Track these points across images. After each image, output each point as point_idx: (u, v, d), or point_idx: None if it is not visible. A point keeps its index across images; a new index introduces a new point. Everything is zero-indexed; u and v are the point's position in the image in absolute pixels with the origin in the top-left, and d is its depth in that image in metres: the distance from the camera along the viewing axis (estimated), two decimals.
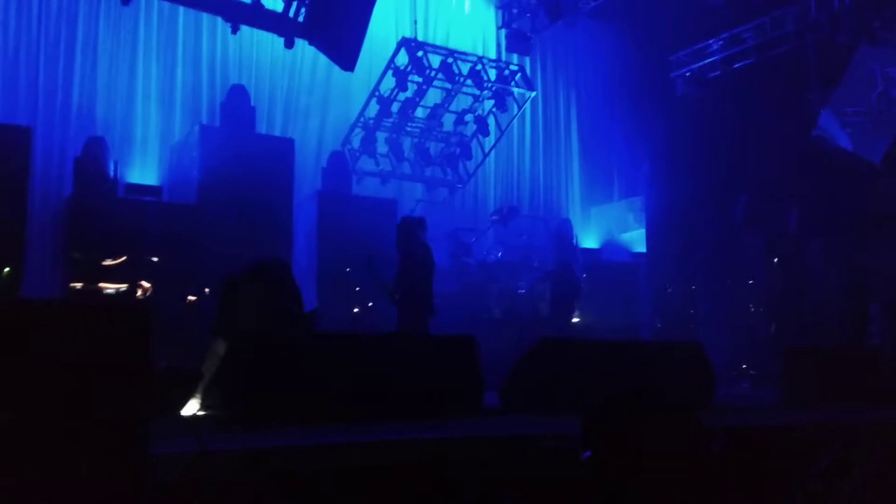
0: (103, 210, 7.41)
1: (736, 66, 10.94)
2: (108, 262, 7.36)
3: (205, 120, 9.58)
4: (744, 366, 9.49)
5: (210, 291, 7.63)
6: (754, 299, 10.12)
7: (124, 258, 7.43)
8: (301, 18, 7.79)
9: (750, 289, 10.12)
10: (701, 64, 11.41)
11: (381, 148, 11.02)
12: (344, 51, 8.00)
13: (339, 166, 10.15)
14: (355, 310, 9.07)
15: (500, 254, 10.48)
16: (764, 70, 10.47)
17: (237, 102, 8.96)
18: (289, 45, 8.00)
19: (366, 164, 10.91)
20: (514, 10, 12.29)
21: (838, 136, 9.66)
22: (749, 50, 10.77)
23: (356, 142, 10.86)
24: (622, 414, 2.54)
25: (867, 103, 9.51)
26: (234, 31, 7.81)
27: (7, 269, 6.63)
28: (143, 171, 9.08)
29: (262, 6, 7.93)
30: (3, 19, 8.64)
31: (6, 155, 6.78)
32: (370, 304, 9.06)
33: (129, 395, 2.19)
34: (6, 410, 2.03)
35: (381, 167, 11.06)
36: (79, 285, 7.20)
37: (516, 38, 12.10)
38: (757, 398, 7.72)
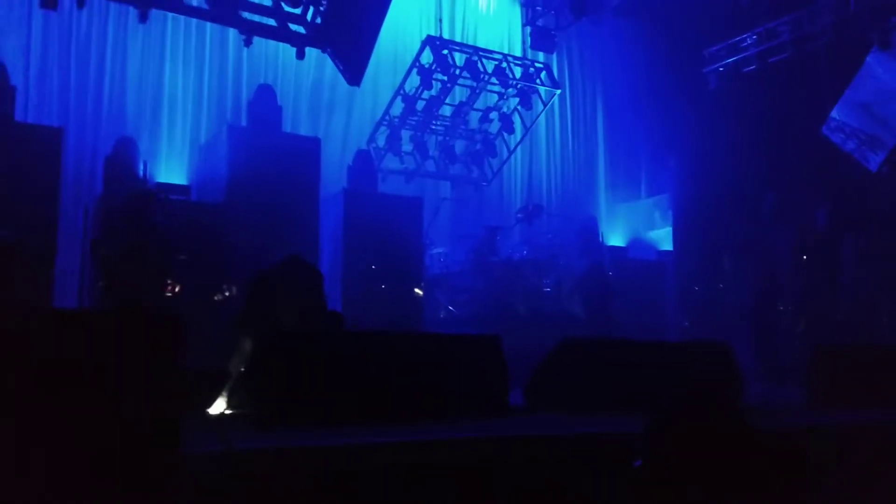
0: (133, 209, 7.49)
1: (771, 60, 10.76)
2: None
3: (231, 119, 9.68)
4: (772, 365, 9.38)
5: (237, 289, 7.70)
6: (783, 298, 10.00)
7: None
8: (319, 20, 7.88)
9: (779, 287, 10.00)
10: (735, 58, 11.26)
11: (406, 146, 11.05)
12: (351, 65, 8.09)
13: (364, 164, 10.18)
14: (380, 307, 9.10)
15: (525, 252, 10.46)
16: (800, 65, 10.30)
17: (264, 102, 9.02)
18: (300, 55, 8.10)
19: (391, 162, 10.94)
20: (539, 8, 12.24)
21: (849, 134, 9.53)
22: (785, 44, 10.59)
23: (381, 140, 10.90)
24: (686, 424, 2.52)
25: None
26: (248, 43, 7.91)
27: (38, 267, 6.74)
28: (172, 170, 9.20)
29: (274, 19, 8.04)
30: (37, 25, 8.80)
31: (39, 155, 6.90)
32: (395, 301, 9.10)
33: (161, 400, 2.22)
34: (38, 415, 2.07)
35: (405, 165, 11.09)
36: (108, 283, 7.30)
37: (540, 36, 12.05)
38: (786, 398, 7.63)
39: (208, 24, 9.83)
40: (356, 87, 10.92)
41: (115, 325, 2.21)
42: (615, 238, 12.39)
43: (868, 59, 9.35)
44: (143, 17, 7.31)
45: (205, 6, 7.97)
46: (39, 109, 8.67)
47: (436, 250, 10.34)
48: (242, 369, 4.45)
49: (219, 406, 4.17)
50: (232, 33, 10.05)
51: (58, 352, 2.11)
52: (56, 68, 8.94)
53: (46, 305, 6.60)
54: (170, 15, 9.48)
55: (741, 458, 2.58)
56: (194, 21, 9.75)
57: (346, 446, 2.92)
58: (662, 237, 12.03)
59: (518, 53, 12.30)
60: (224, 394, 4.23)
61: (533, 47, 12.19)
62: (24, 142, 6.88)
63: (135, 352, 2.20)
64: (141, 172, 7.75)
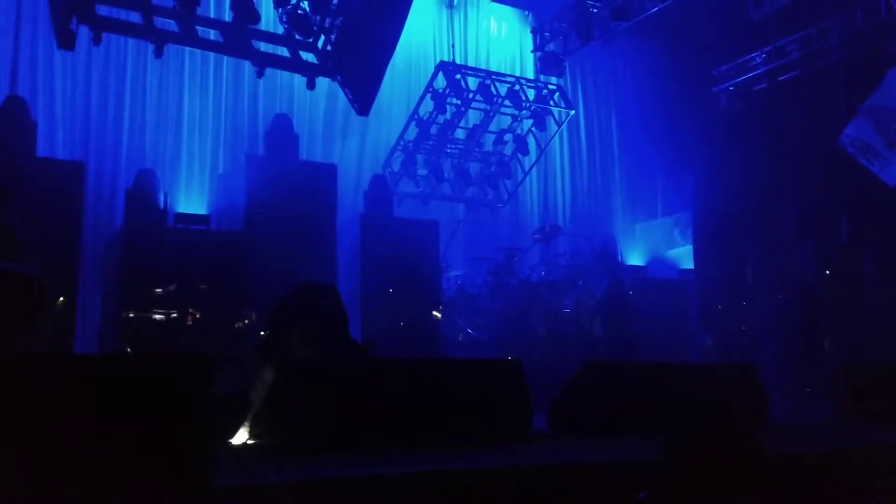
0: (154, 239, 7.59)
1: (781, 78, 10.81)
2: (158, 290, 7.53)
3: (247, 148, 9.79)
4: (797, 384, 9.26)
5: (257, 316, 7.75)
6: (807, 314, 9.89)
7: (174, 285, 7.59)
8: (329, 48, 7.99)
9: (802, 304, 9.89)
10: (745, 77, 11.31)
11: (422, 170, 11.11)
12: (361, 94, 8.19)
13: (380, 189, 10.24)
14: (398, 331, 9.09)
15: (543, 273, 10.42)
16: (810, 82, 10.33)
17: (281, 131, 9.13)
18: (310, 86, 8.20)
19: (406, 186, 10.99)
20: (547, 34, 12.32)
21: (869, 147, 9.46)
22: (794, 62, 10.65)
23: (396, 164, 10.97)
24: (699, 450, 2.50)
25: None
26: (260, 75, 8.03)
27: (61, 299, 6.83)
28: (192, 200, 9.29)
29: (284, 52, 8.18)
30: (57, 61, 8.96)
31: (61, 189, 7.02)
32: (413, 325, 9.09)
33: (190, 439, 2.25)
34: (73, 455, 2.09)
35: (421, 189, 11.14)
36: (131, 314, 7.37)
37: (548, 61, 12.10)
38: (811, 417, 7.53)
39: (224, 57, 9.97)
40: (369, 114, 11.10)
41: (143, 366, 2.25)
42: (634, 257, 12.33)
43: (889, 73, 9.32)
44: (159, 53, 7.42)
45: (220, 39, 8.09)
46: (61, 144, 8.81)
47: (453, 273, 10.34)
48: (263, 398, 4.45)
49: (241, 436, 4.16)
50: (247, 64, 10.20)
51: (86, 395, 2.14)
52: (76, 103, 9.09)
53: (69, 341, 6.68)
54: (186, 49, 9.64)
55: (755, 484, 2.55)
56: (211, 54, 9.90)
57: (368, 477, 2.91)
58: (682, 256, 11.95)
59: (531, 74, 12.36)
60: (246, 423, 4.22)
61: (541, 72, 12.24)
62: (45, 177, 7.00)
63: (162, 394, 2.24)
64: (161, 203, 7.86)
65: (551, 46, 12.29)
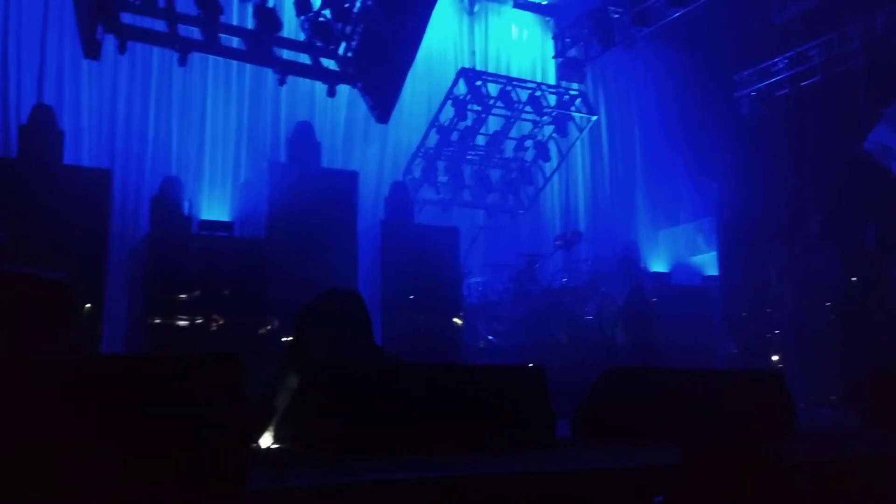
0: (179, 246, 7.66)
1: (803, 83, 10.75)
2: (183, 296, 7.59)
3: (269, 155, 9.86)
4: (823, 391, 9.15)
5: (279, 322, 7.79)
6: (833, 321, 9.78)
7: (198, 292, 7.65)
8: (350, 54, 8.04)
9: (828, 310, 9.78)
10: (767, 82, 11.25)
11: (442, 176, 11.12)
12: (381, 102, 8.21)
13: (400, 196, 10.25)
14: (418, 338, 9.09)
15: (565, 279, 10.38)
16: (832, 87, 10.26)
17: (302, 138, 9.17)
18: (331, 93, 8.24)
19: (427, 192, 11.01)
20: (567, 39, 12.30)
21: (894, 152, 9.35)
22: (816, 67, 10.58)
23: (417, 171, 10.99)
24: (717, 457, 2.48)
25: None
26: (281, 83, 8.08)
27: (88, 306, 6.91)
28: (215, 207, 9.38)
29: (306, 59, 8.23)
30: (83, 69, 9.10)
31: (87, 197, 7.10)
32: (434, 332, 9.08)
33: (226, 440, 2.27)
34: (110, 454, 2.12)
35: (441, 195, 11.15)
36: (156, 320, 7.44)
37: (569, 67, 12.09)
38: (838, 424, 7.44)
39: (247, 65, 10.07)
40: (390, 121, 11.13)
41: (177, 368, 2.27)
42: (658, 264, 12.24)
43: None
44: (183, 62, 7.49)
45: (242, 47, 8.17)
46: (87, 152, 8.93)
47: (473, 279, 10.33)
48: (287, 403, 4.48)
49: (266, 439, 4.19)
50: (269, 72, 10.29)
51: (123, 395, 2.17)
52: (102, 112, 9.22)
53: (96, 347, 6.75)
54: (209, 57, 9.75)
55: (772, 492, 2.52)
56: (233, 62, 10.00)
57: (394, 482, 2.91)
58: (706, 262, 11.86)
59: (552, 79, 12.35)
60: (271, 427, 4.25)
61: (562, 78, 12.23)
62: (72, 184, 7.09)
63: (198, 394, 2.26)
64: (186, 210, 7.93)
65: (572, 52, 12.28)
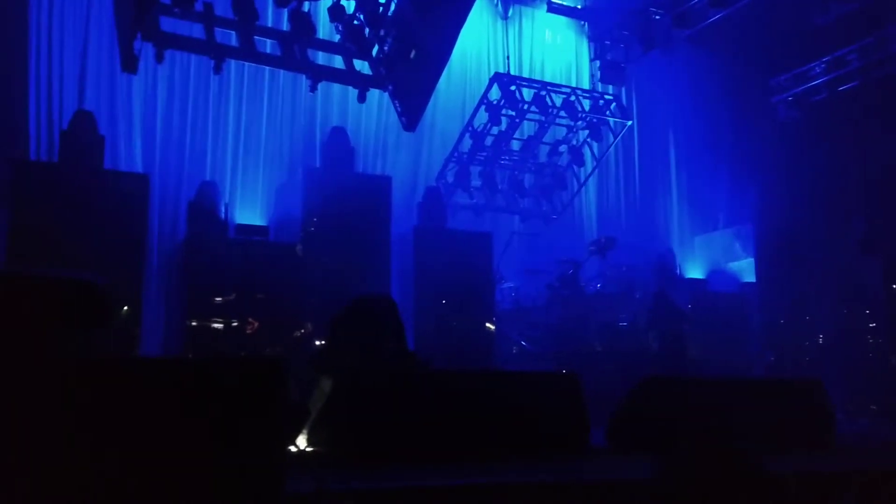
0: (215, 250, 7.75)
1: (841, 88, 10.57)
2: (219, 300, 7.68)
3: (304, 160, 9.94)
4: (863, 401, 8.95)
5: (313, 326, 7.84)
6: (873, 329, 9.56)
7: (234, 295, 7.73)
8: (381, 56, 8.06)
9: (868, 318, 9.56)
10: (804, 87, 11.08)
11: (475, 181, 11.10)
12: (408, 108, 8.21)
13: (434, 201, 10.26)
14: (451, 343, 9.08)
15: (599, 285, 10.29)
16: (871, 91, 10.07)
17: (337, 143, 9.24)
18: (361, 98, 8.27)
19: (460, 197, 11.00)
20: (607, 42, 12.21)
21: None
22: (854, 72, 10.40)
23: (450, 176, 10.99)
24: (698, 470, 2.45)
25: None
26: (313, 89, 8.13)
27: (126, 308, 7.03)
28: (250, 211, 9.48)
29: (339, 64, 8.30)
30: (123, 76, 9.26)
31: (126, 201, 7.24)
32: (466, 337, 9.06)
33: (266, 442, 2.28)
34: (154, 454, 2.14)
35: (475, 200, 11.13)
36: (193, 322, 7.53)
37: (610, 69, 12.01)
38: (879, 436, 7.26)
39: (281, 71, 10.17)
40: (423, 125, 11.12)
41: (220, 371, 2.29)
42: (694, 270, 12.07)
43: None
44: (218, 69, 7.57)
45: (276, 52, 8.25)
46: (126, 158, 9.09)
47: (507, 285, 10.28)
48: (321, 407, 4.50)
49: (300, 444, 4.21)
50: (303, 79, 10.38)
51: (165, 397, 2.19)
52: (143, 118, 9.38)
53: (135, 349, 6.86)
54: (245, 64, 9.87)
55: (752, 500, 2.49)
56: (267, 68, 10.11)
57: (428, 488, 2.90)
58: (744, 268, 11.67)
59: (585, 83, 12.27)
60: (305, 431, 4.28)
61: (602, 81, 12.15)
62: (112, 189, 7.23)
63: (241, 397, 2.28)
64: (222, 215, 8.03)
65: (610, 55, 12.19)
